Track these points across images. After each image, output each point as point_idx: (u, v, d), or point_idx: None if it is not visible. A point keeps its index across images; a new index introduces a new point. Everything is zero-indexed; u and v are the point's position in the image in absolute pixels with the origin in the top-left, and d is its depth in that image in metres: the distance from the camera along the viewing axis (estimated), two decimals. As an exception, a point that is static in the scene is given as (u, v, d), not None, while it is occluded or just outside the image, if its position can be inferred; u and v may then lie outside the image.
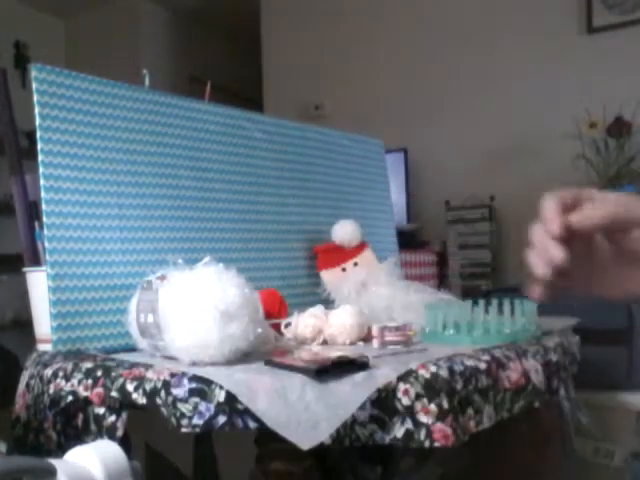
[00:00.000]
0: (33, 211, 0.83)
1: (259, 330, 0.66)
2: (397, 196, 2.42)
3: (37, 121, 0.75)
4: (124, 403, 0.62)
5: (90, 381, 0.64)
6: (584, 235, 0.43)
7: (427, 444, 0.58)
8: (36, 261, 0.83)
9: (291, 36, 3.07)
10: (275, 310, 0.82)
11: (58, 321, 0.74)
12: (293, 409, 0.55)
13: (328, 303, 0.98)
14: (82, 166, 0.78)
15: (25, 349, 0.88)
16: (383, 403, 0.59)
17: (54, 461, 0.35)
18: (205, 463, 1.00)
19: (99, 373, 0.64)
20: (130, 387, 0.61)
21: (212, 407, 0.56)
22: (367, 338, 0.80)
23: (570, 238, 0.42)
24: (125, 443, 0.63)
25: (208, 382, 0.57)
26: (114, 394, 0.62)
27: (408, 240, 2.20)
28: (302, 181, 1.12)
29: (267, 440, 0.64)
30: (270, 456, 0.65)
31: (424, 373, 0.60)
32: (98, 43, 3.89)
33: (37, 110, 0.75)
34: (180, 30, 4.10)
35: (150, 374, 0.60)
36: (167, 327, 0.63)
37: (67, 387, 0.66)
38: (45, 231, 0.74)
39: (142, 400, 0.60)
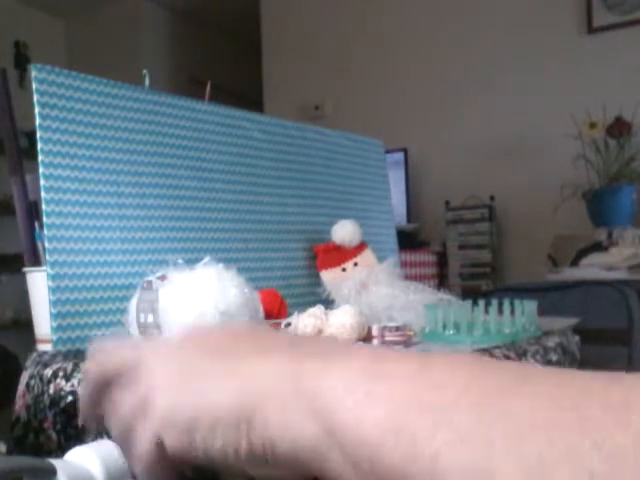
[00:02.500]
0: (33, 211, 0.83)
1: (259, 330, 0.66)
2: (397, 196, 2.42)
3: (37, 121, 0.75)
4: (124, 403, 0.62)
5: (90, 381, 0.64)
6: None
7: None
8: (36, 261, 0.83)
9: (291, 36, 3.07)
10: (275, 310, 0.82)
11: (58, 321, 0.74)
12: (293, 409, 0.55)
13: (328, 303, 0.98)
14: (82, 166, 0.78)
15: (25, 349, 0.88)
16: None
17: (54, 461, 0.34)
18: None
19: (99, 373, 0.64)
20: (130, 387, 0.61)
21: (212, 407, 0.56)
22: (367, 338, 0.80)
23: None
24: (125, 443, 0.62)
25: (208, 382, 0.57)
26: (114, 394, 0.61)
27: (408, 240, 2.20)
28: (302, 181, 1.12)
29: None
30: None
31: (424, 373, 0.60)
32: (98, 43, 3.89)
33: (37, 110, 0.75)
34: (180, 30, 4.10)
35: (150, 374, 0.60)
36: (167, 327, 0.63)
37: (67, 387, 0.66)
38: (45, 231, 0.74)
39: (142, 400, 0.59)
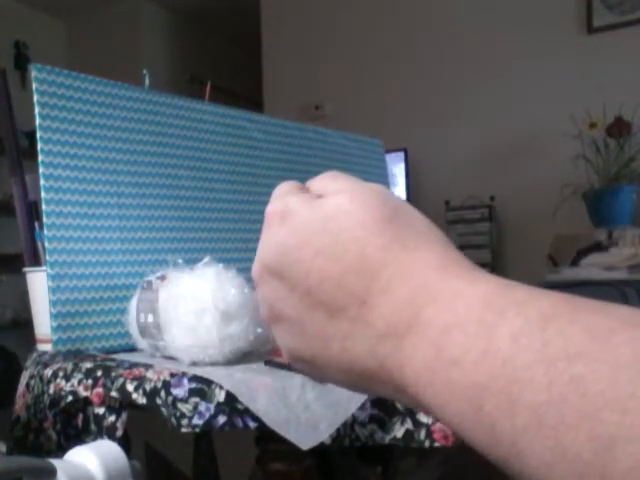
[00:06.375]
0: (33, 211, 0.83)
1: (259, 330, 0.66)
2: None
3: (37, 121, 0.75)
4: (124, 403, 0.62)
5: (90, 381, 0.64)
6: None
7: (427, 444, 0.58)
8: (36, 261, 0.83)
9: (291, 36, 3.07)
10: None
11: (58, 321, 0.74)
12: (293, 409, 0.55)
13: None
14: (82, 166, 0.78)
15: (25, 349, 0.88)
16: (383, 403, 0.59)
17: (54, 461, 0.35)
18: (205, 463, 1.00)
19: (99, 373, 0.64)
20: (130, 387, 0.61)
21: (212, 407, 0.56)
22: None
23: None
24: (125, 443, 0.63)
25: (208, 382, 0.57)
26: (114, 394, 0.62)
27: (408, 240, 2.20)
28: (302, 181, 1.12)
29: (267, 440, 0.64)
30: (270, 456, 0.65)
31: (424, 373, 0.60)
32: (98, 43, 3.89)
33: (37, 110, 0.75)
34: (180, 30, 4.10)
35: (150, 374, 0.60)
36: (167, 327, 0.64)
37: (67, 387, 0.66)
38: (45, 231, 0.74)
39: (142, 400, 0.60)
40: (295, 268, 0.27)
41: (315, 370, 0.29)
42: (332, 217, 0.27)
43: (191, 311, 0.62)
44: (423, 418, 0.58)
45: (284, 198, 0.30)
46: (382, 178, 1.35)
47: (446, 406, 0.23)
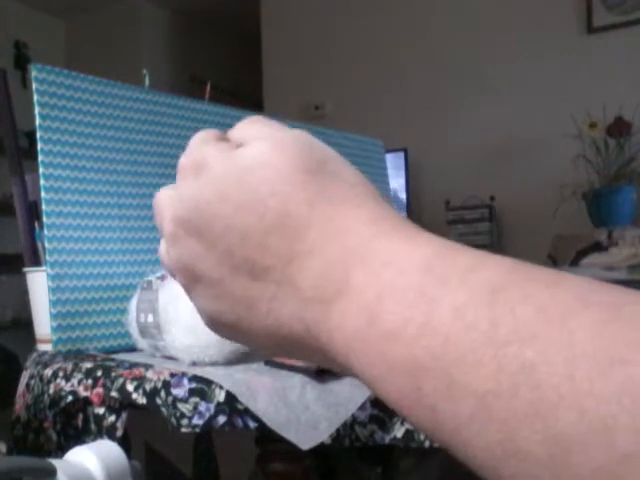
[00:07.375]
0: (33, 211, 0.83)
1: (259, 330, 0.66)
2: (397, 196, 2.42)
3: (37, 121, 0.75)
4: (124, 403, 0.62)
5: (90, 381, 0.64)
6: None
7: (427, 444, 0.58)
8: (36, 261, 0.83)
9: (291, 36, 3.07)
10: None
11: (58, 321, 0.74)
12: (293, 409, 0.55)
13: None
14: (82, 166, 0.78)
15: (25, 349, 0.88)
16: (383, 403, 0.59)
17: (54, 461, 0.35)
18: (205, 463, 1.00)
19: (99, 373, 0.64)
20: (130, 387, 0.61)
21: (212, 407, 0.56)
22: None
23: None
24: (125, 443, 0.63)
25: (208, 382, 0.57)
26: (114, 394, 0.62)
27: (408, 240, 2.19)
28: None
29: (267, 440, 0.64)
30: (270, 456, 0.65)
31: (424, 373, 0.60)
32: (98, 43, 3.89)
33: (37, 110, 0.75)
34: (180, 30, 4.10)
35: (150, 374, 0.60)
36: (167, 327, 0.64)
37: (67, 387, 0.66)
38: (45, 231, 0.74)
39: (142, 400, 0.60)
40: (214, 224, 0.24)
41: (240, 335, 0.26)
42: (250, 169, 0.24)
43: (191, 311, 0.62)
44: (423, 418, 0.58)
45: (199, 148, 0.27)
46: (382, 178, 1.35)
47: (381, 380, 0.21)
